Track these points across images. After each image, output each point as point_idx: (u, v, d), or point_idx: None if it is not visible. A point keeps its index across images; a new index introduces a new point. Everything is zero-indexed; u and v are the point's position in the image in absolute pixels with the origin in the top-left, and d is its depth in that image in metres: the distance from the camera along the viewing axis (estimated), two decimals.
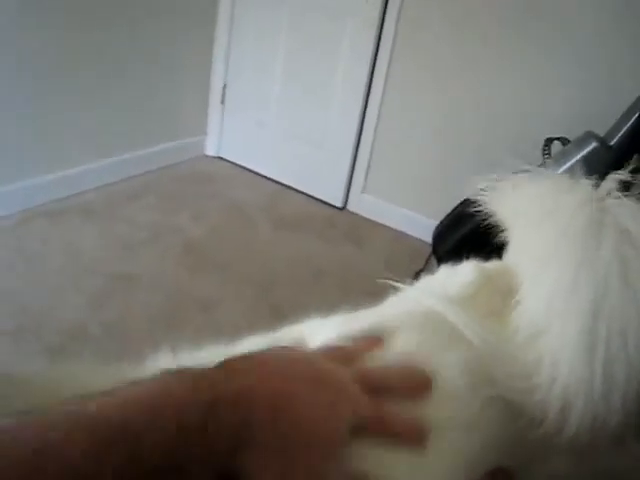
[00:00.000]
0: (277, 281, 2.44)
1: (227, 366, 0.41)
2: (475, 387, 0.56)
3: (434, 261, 2.18)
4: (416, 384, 0.53)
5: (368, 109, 2.88)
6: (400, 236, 2.88)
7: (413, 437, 0.49)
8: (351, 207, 3.07)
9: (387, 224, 2.94)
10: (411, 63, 2.71)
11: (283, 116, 3.15)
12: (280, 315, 2.22)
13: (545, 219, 0.69)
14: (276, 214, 2.95)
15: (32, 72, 2.45)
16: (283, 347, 0.49)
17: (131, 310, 2.16)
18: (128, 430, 0.34)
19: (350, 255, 2.72)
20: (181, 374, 0.39)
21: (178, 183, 3.11)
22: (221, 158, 3.44)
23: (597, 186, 0.70)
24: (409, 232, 2.87)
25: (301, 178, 3.15)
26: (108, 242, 2.52)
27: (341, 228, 2.92)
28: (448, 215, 2.20)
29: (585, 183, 0.71)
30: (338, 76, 2.91)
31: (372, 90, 2.84)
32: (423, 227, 2.70)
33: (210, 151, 3.45)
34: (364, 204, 3.02)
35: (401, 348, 0.57)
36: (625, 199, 0.67)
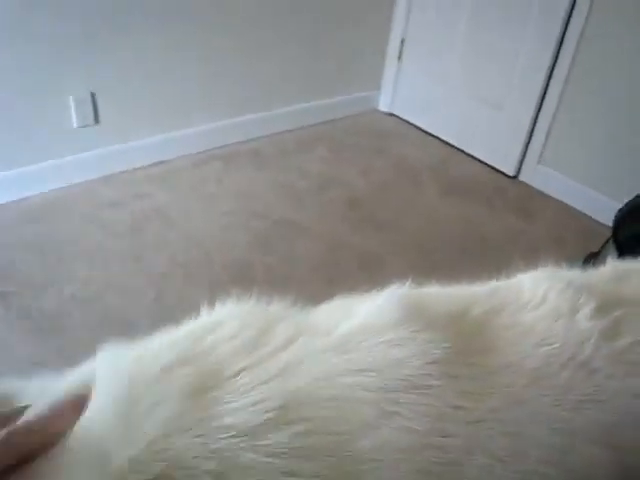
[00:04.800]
0: (439, 246, 2.38)
1: None
2: None
3: (612, 247, 1.99)
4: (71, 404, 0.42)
5: (555, 71, 2.64)
6: (575, 214, 2.66)
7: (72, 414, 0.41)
8: (523, 177, 2.88)
9: (561, 199, 2.73)
10: (613, 19, 2.41)
11: (461, 75, 3.01)
12: (439, 281, 2.16)
13: None
14: (444, 177, 2.86)
15: (233, 29, 2.63)
16: None
17: (294, 256, 2.23)
18: None
19: (518, 228, 2.57)
20: None
21: (348, 136, 3.12)
22: (393, 115, 3.38)
23: None
24: (585, 211, 2.64)
25: (473, 142, 3.01)
26: (276, 189, 2.60)
27: (511, 198, 2.76)
28: (635, 198, 1.98)
29: None
30: (527, 31, 2.68)
31: (563, 49, 2.59)
32: (602, 208, 2.47)
33: (383, 107, 3.41)
34: (538, 175, 2.82)
35: None
36: None
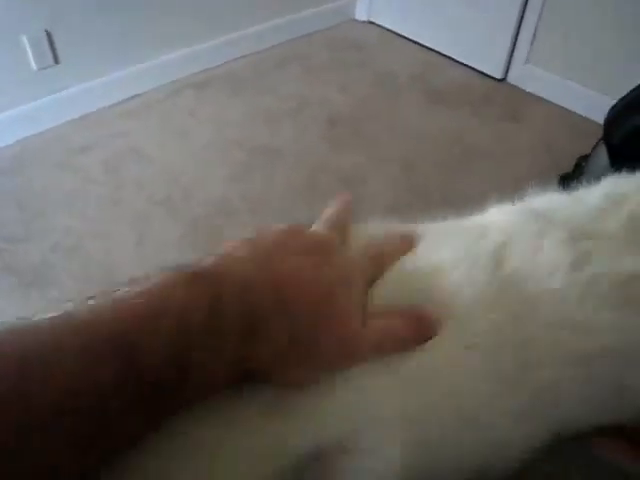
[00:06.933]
0: (425, 159, 2.31)
1: (226, 256, 0.37)
2: None
3: (603, 148, 1.91)
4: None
5: None
6: (567, 114, 2.55)
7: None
8: (511, 79, 2.75)
9: (552, 100, 2.61)
10: None
11: None
12: (425, 197, 2.12)
13: None
14: (428, 85, 2.73)
15: None
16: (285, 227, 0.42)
17: (273, 184, 2.17)
18: (124, 337, 0.30)
19: (507, 134, 2.47)
20: (181, 271, 0.34)
21: (325, 51, 2.96)
22: (372, 23, 3.19)
23: None
24: (578, 110, 2.52)
25: (457, 45, 2.86)
26: (253, 114, 2.50)
27: (499, 103, 2.65)
28: (629, 93, 1.87)
29: None
30: None
31: None
32: (596, 105, 2.35)
33: (360, 15, 3.21)
34: (527, 76, 2.68)
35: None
36: None
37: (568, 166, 2.13)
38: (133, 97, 2.51)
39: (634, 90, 1.84)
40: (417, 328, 0.39)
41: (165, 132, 2.39)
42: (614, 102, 1.92)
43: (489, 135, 2.44)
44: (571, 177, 2.13)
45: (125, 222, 2.02)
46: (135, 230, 1.99)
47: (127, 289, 0.32)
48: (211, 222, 2.02)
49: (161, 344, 0.30)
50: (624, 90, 1.88)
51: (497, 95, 2.69)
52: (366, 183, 2.18)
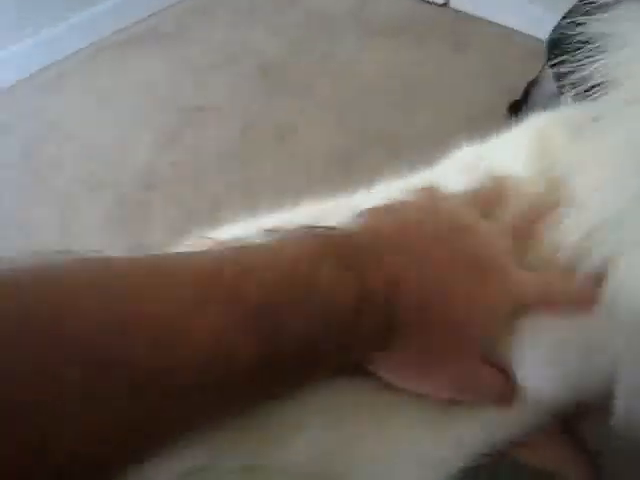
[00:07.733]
0: (366, 102, 2.14)
1: (371, 232, 0.34)
2: None
3: (549, 72, 1.76)
4: None
5: None
6: (515, 35, 2.37)
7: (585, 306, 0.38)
8: (454, 3, 2.55)
9: (499, 21, 2.42)
10: None
11: None
12: (368, 143, 1.98)
13: None
14: (365, 20, 2.52)
15: None
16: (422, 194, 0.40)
17: (205, 145, 2.03)
18: (270, 311, 0.29)
19: (454, 62, 2.30)
20: (326, 241, 0.32)
21: None
22: None
23: None
24: (527, 30, 2.33)
25: None
26: (179, 71, 2.32)
27: (443, 30, 2.46)
28: (571, 10, 1.71)
29: None
30: None
31: None
32: (545, 23, 2.20)
33: None
34: None
35: None
36: None
37: (518, 90, 1.99)
38: (48, 67, 2.30)
39: (576, 7, 1.68)
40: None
41: (85, 101, 2.21)
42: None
43: (434, 66, 2.27)
44: (520, 104, 2.00)
45: (47, 206, 1.88)
46: (58, 214, 1.85)
47: (270, 247, 0.32)
48: (138, 196, 1.88)
49: (304, 328, 0.30)
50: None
51: (441, 22, 2.49)
52: (301, 134, 2.03)
